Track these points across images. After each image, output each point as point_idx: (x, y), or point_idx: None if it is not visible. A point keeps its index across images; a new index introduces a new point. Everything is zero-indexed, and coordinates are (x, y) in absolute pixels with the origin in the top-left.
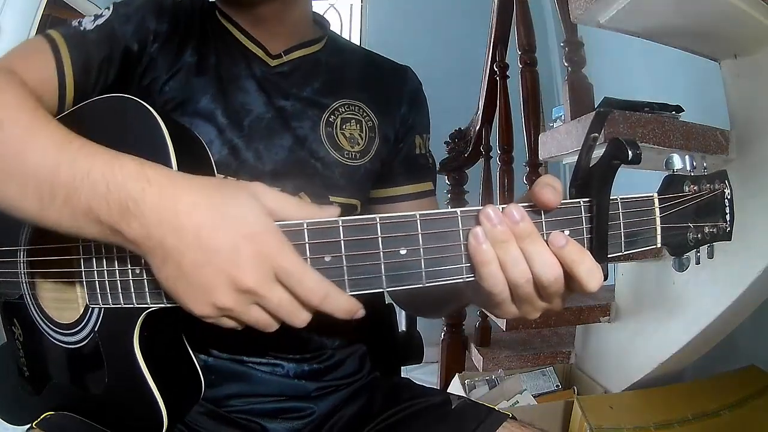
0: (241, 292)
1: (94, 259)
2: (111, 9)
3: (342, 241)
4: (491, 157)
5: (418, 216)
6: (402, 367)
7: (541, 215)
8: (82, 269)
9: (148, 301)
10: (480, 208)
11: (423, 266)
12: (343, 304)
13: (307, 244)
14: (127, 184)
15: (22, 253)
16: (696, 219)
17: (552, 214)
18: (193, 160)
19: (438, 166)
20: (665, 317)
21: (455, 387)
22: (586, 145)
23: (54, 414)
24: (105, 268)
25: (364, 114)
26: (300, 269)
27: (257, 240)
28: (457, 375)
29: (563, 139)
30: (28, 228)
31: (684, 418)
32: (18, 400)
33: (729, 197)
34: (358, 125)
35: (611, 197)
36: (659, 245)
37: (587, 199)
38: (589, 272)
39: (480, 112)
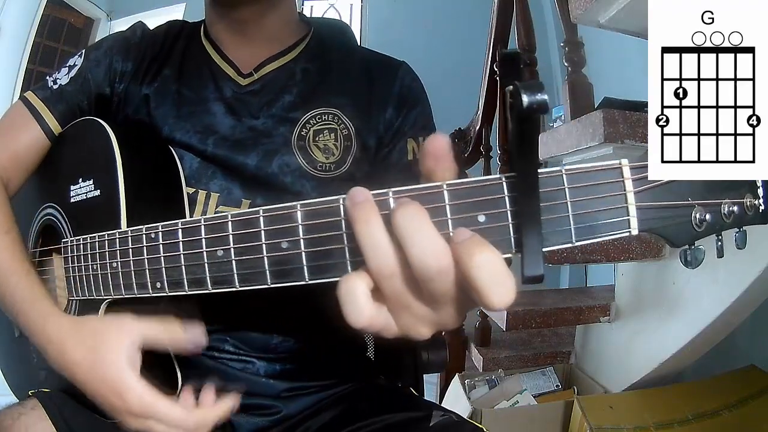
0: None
1: (73, 257)
2: (83, 56)
3: (231, 235)
4: (491, 157)
5: (298, 206)
6: None
7: (444, 197)
8: (67, 266)
9: (123, 293)
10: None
11: (304, 261)
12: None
13: (203, 239)
14: (37, 337)
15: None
16: (705, 194)
17: (463, 195)
18: (150, 174)
19: None
20: (665, 317)
21: (455, 387)
22: (505, 104)
23: (49, 391)
24: (82, 264)
25: (340, 122)
26: (149, 406)
27: (113, 388)
28: (457, 375)
29: (563, 139)
30: (33, 232)
31: (684, 418)
32: (22, 364)
33: None
34: (332, 134)
35: (553, 168)
36: (636, 231)
37: (510, 174)
38: (493, 276)
39: (480, 112)
